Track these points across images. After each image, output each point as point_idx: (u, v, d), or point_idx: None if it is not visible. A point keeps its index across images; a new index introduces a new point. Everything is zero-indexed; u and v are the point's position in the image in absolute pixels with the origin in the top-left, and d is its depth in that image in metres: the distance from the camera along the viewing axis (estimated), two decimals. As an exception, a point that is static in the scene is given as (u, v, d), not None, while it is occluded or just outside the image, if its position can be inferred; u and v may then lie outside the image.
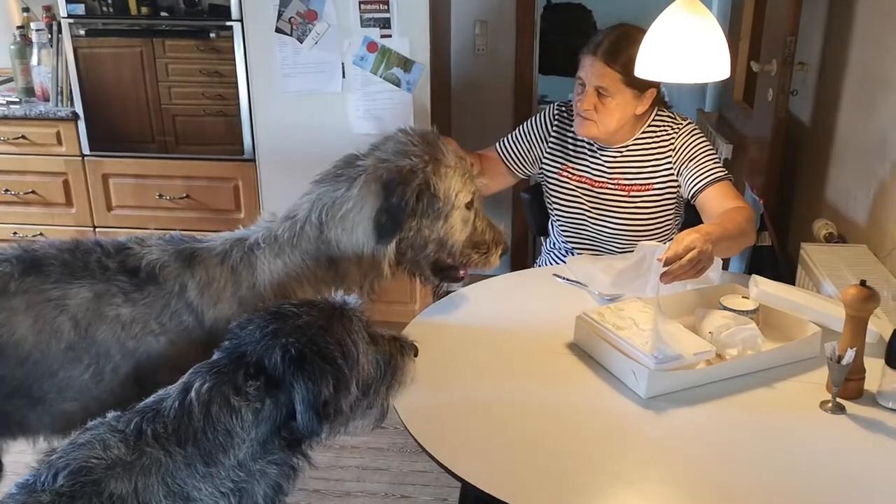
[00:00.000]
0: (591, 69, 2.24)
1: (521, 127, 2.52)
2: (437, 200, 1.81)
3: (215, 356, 1.33)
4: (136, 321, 1.65)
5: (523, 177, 2.57)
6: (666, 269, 1.80)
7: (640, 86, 2.22)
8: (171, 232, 1.81)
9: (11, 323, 1.59)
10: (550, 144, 2.47)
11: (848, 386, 1.63)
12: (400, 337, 1.48)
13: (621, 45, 2.20)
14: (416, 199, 1.78)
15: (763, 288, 1.89)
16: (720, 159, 2.36)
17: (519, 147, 2.50)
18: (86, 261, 1.67)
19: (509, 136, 2.53)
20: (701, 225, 2.00)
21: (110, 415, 1.28)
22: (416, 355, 1.48)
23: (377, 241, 1.78)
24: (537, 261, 2.76)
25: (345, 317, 1.36)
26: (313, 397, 1.25)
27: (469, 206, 1.88)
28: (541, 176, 2.53)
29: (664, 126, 2.36)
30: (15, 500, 1.19)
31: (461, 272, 1.96)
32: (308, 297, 1.71)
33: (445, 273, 1.95)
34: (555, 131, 2.46)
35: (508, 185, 2.63)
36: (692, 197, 2.28)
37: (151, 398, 1.30)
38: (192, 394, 1.25)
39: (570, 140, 2.44)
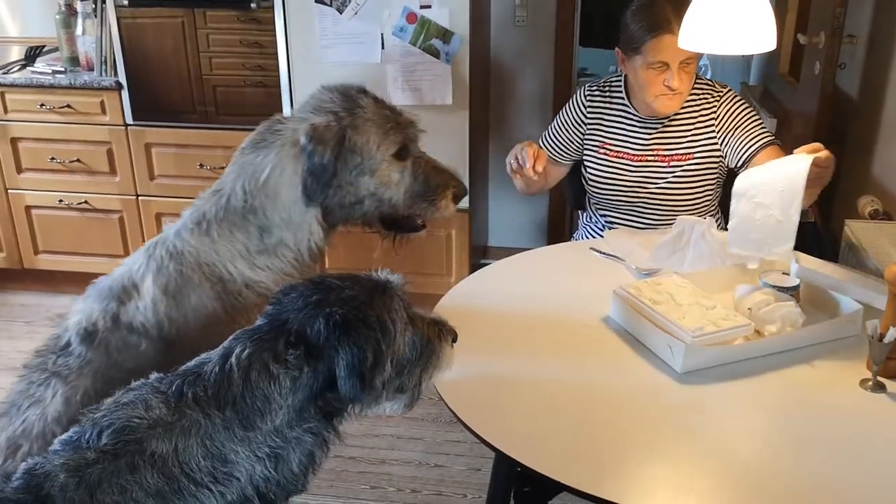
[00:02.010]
0: (675, 46, 2.11)
1: (556, 118, 2.54)
2: (355, 156, 1.74)
3: (257, 322, 1.35)
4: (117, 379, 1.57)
5: (571, 163, 2.57)
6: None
7: None
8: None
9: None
10: (588, 126, 2.46)
11: (889, 364, 1.61)
12: (440, 321, 1.46)
13: (683, 9, 2.14)
14: (336, 157, 1.72)
15: (804, 265, 1.86)
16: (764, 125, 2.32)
17: (559, 137, 2.51)
18: (100, 353, 1.67)
19: (548, 130, 2.55)
20: None
21: (153, 376, 1.31)
22: (454, 341, 1.46)
23: (307, 204, 1.73)
24: (574, 234, 2.75)
25: (386, 294, 1.36)
26: (358, 362, 1.26)
27: (399, 156, 1.79)
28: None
29: (704, 94, 2.34)
30: (61, 457, 1.21)
31: (419, 221, 1.89)
32: (244, 273, 1.71)
33: (401, 224, 1.89)
34: (589, 112, 2.45)
35: (562, 175, 2.61)
36: (743, 164, 2.25)
37: (193, 361, 1.32)
38: (233, 359, 1.27)
39: (605, 118, 2.43)
